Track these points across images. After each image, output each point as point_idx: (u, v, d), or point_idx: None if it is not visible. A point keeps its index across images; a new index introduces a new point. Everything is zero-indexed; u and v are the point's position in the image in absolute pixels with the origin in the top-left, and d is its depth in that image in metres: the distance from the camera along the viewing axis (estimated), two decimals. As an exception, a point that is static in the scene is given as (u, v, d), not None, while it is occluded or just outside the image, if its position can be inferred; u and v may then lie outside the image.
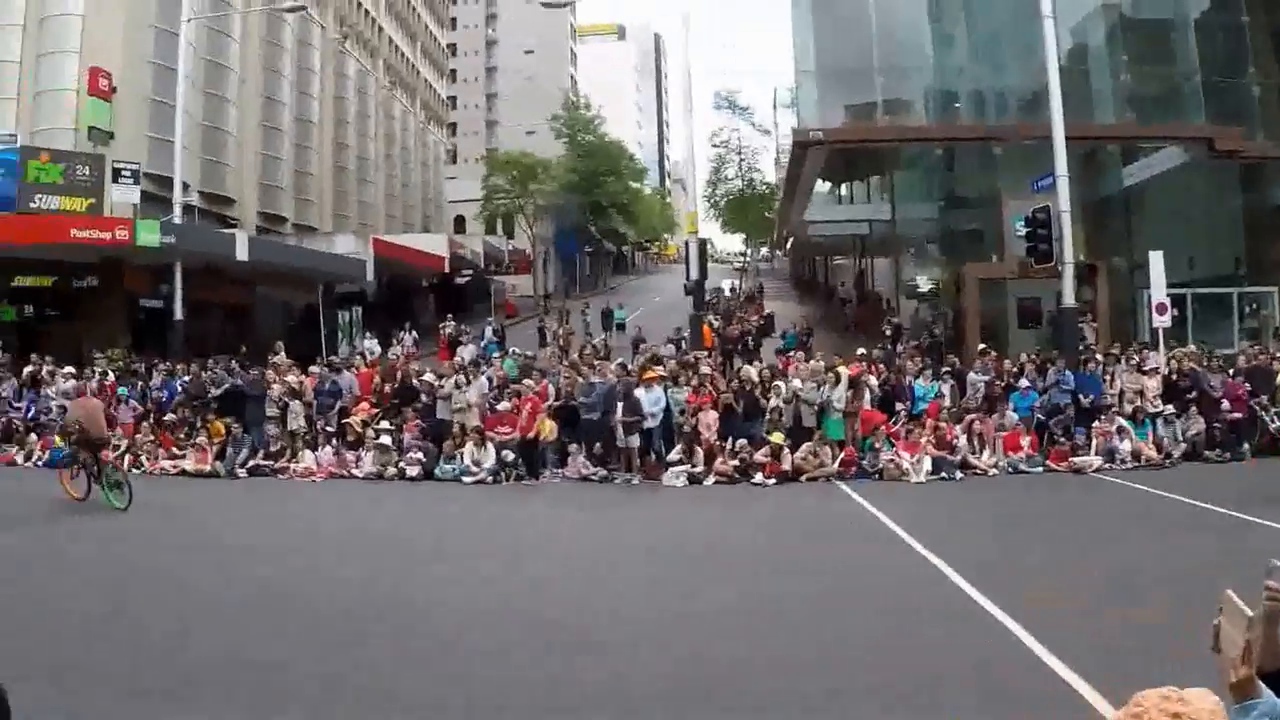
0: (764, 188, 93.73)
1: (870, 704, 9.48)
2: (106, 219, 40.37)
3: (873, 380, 27.21)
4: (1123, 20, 43.36)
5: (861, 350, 31.21)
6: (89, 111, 45.85)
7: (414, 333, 48.09)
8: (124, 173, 42.21)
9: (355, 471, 25.70)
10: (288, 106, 65.03)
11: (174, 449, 27.00)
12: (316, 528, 20.46)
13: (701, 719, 9.40)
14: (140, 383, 30.68)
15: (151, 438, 27.50)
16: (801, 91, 49.85)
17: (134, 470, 26.37)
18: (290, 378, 28.73)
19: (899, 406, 26.77)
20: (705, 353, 34.55)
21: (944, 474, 23.90)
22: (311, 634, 11.99)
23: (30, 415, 30.12)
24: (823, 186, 61.46)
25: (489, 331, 47.23)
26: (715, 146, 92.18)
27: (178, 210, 41.03)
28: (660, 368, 28.51)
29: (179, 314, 39.27)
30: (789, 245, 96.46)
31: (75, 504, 21.26)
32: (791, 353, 33.95)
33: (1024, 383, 27.06)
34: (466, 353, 36.91)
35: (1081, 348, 30.25)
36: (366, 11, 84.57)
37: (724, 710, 9.53)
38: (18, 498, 22.25)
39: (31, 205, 41.12)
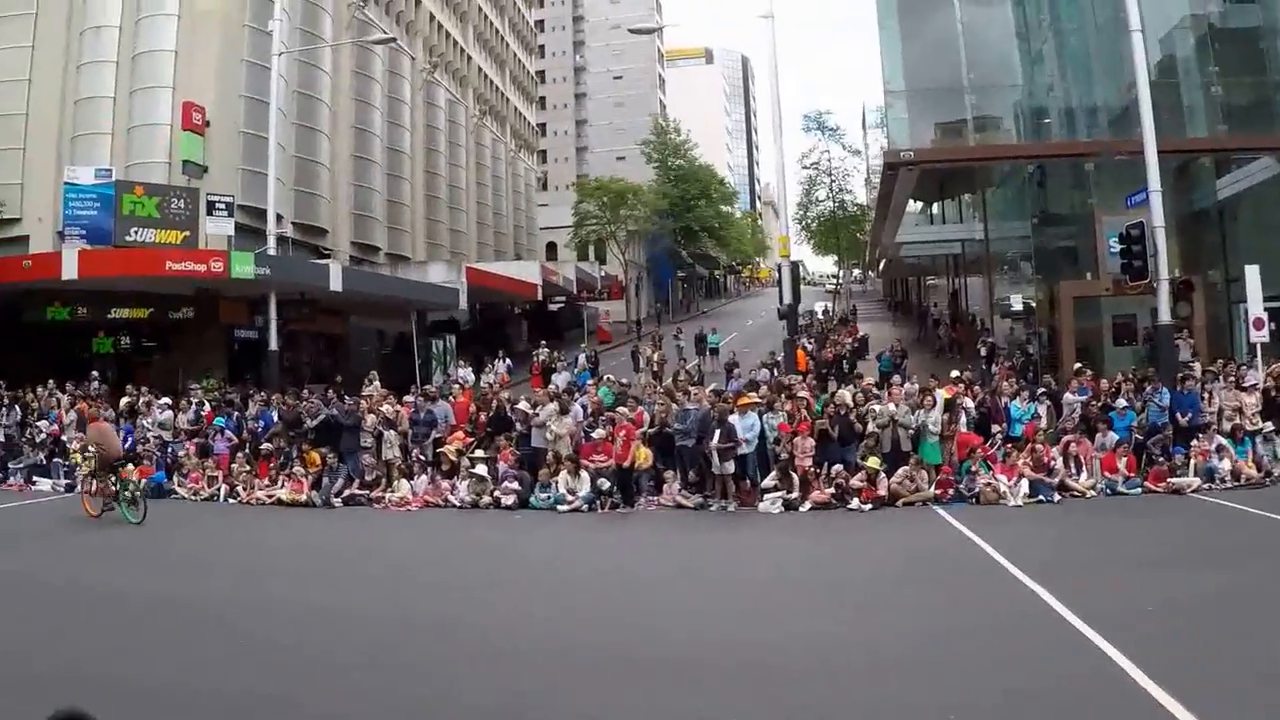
0: (855, 209, 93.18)
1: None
2: (201, 251, 40.88)
3: (969, 402, 26.84)
4: (1212, 30, 42.57)
5: (955, 372, 30.75)
6: (183, 146, 46.34)
7: (507, 360, 48.17)
8: (218, 205, 42.76)
9: (451, 500, 25.70)
10: (379, 137, 65.46)
11: (269, 479, 27.18)
12: (413, 557, 20.46)
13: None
14: (236, 413, 30.92)
15: (248, 468, 27.73)
16: (891, 112, 49.43)
17: (230, 500, 26.80)
18: (385, 407, 28.79)
19: (995, 428, 26.29)
20: (800, 377, 34.29)
21: (1041, 497, 23.30)
22: (408, 661, 12.00)
23: (128, 445, 30.41)
24: (914, 206, 61.11)
25: (582, 358, 47.26)
26: (805, 168, 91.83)
27: (272, 242, 41.43)
28: (755, 393, 28.31)
29: (274, 344, 39.76)
30: (881, 266, 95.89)
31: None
32: (893, 376, 33.60)
33: (1121, 402, 26.60)
34: (560, 380, 36.88)
35: (1180, 365, 29.75)
36: (455, 41, 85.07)
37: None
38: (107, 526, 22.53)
39: (127, 238, 41.74)
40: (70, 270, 38.16)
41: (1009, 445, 24.92)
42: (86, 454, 24.66)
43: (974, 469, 23.95)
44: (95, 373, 37.64)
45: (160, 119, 48.16)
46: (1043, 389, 28.50)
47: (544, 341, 52.10)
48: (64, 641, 12.99)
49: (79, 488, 26.14)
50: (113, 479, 23.44)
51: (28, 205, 47.72)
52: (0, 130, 46.49)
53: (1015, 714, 9.79)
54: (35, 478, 30.07)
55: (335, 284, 43.04)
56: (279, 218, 44.14)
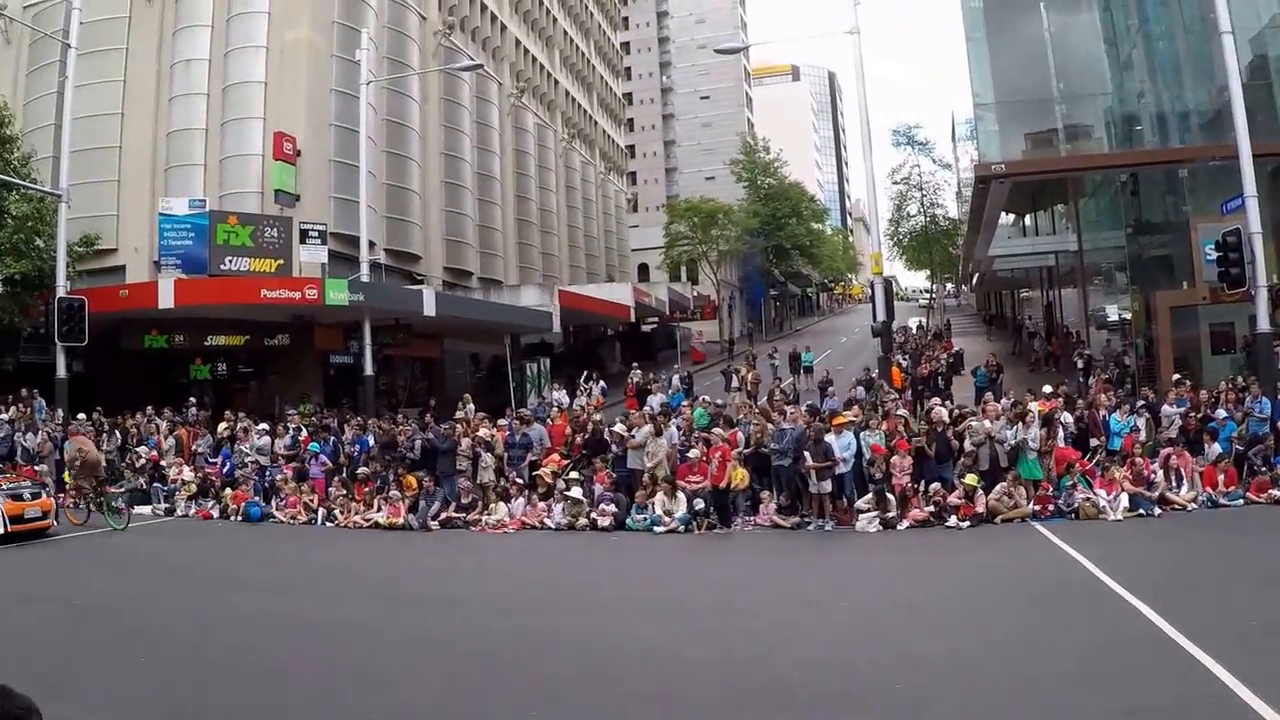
0: (947, 223, 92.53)
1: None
2: (295, 279, 41.20)
3: (1067, 417, 26.51)
4: (1304, 28, 41.92)
5: (1048, 388, 30.29)
6: (275, 175, 46.79)
7: (601, 382, 48.16)
8: (311, 233, 43.22)
9: (547, 523, 25.66)
10: (469, 162, 65.76)
11: (365, 503, 27.35)
12: (514, 578, 20.47)
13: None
14: (333, 438, 31.15)
15: (344, 492, 27.93)
16: (981, 124, 49.02)
17: (327, 524, 27.00)
18: (482, 431, 28.90)
19: (1094, 442, 25.93)
20: (895, 395, 34.04)
21: (1142, 510, 22.80)
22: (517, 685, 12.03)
23: (226, 470, 30.77)
24: (1007, 218, 60.55)
25: (676, 379, 47.21)
26: (896, 183, 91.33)
27: (365, 268, 41.77)
28: (850, 412, 28.11)
29: (369, 369, 40.09)
30: (975, 280, 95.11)
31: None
32: (988, 392, 33.20)
33: (1220, 413, 26.16)
34: (655, 401, 36.81)
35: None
36: (542, 66, 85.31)
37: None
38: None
39: (222, 267, 42.26)
40: (166, 299, 38.66)
41: (1108, 459, 24.52)
42: (72, 466, 27.35)
43: (1073, 484, 23.56)
44: (193, 399, 38.05)
45: (252, 149, 48.65)
46: (1141, 401, 28.09)
47: (635, 364, 51.98)
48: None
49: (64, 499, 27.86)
50: (95, 486, 25.98)
51: (123, 236, 48.26)
52: (95, 163, 46.98)
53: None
54: (135, 503, 30.37)
55: (429, 309, 43.25)
56: (371, 244, 44.57)
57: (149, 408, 35.30)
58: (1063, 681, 11.14)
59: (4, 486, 24.93)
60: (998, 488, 23.58)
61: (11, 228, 37.93)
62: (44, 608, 17.03)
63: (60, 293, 36.56)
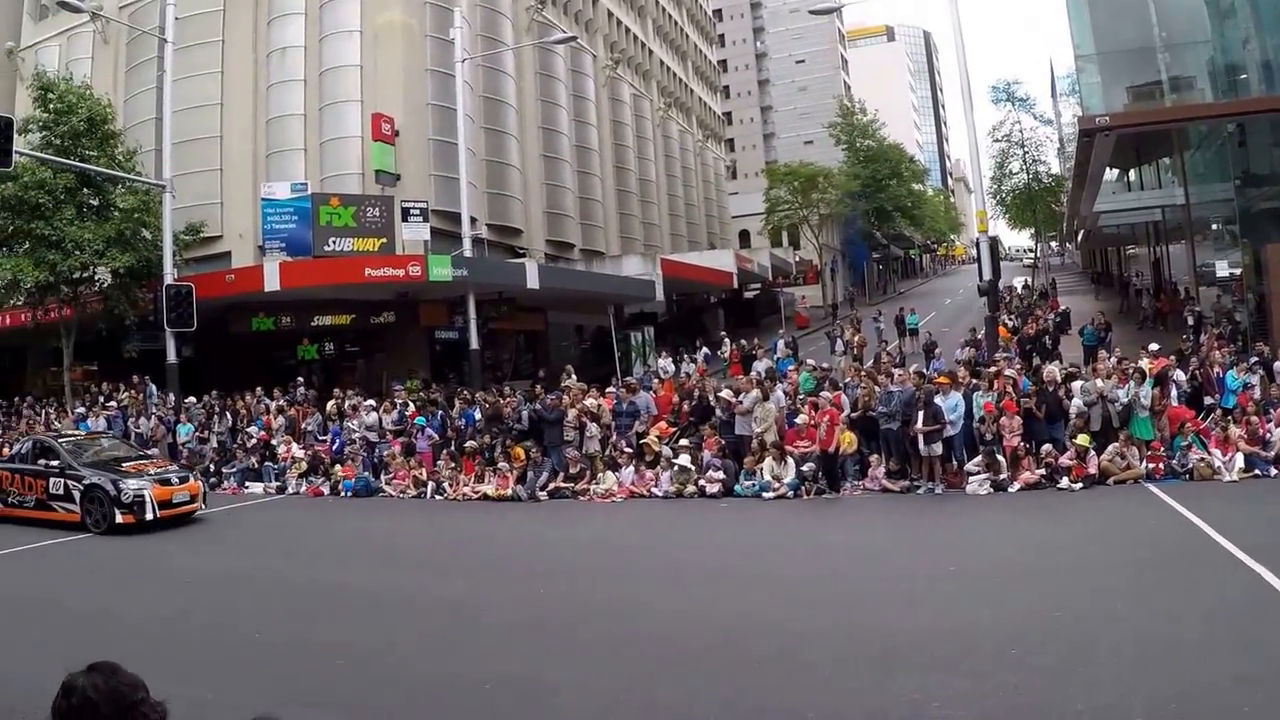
0: (1049, 179, 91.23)
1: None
2: (399, 257, 41.51)
3: (1180, 375, 26.04)
4: None
5: (1154, 345, 29.56)
6: (374, 156, 47.09)
7: (704, 349, 48.06)
8: (412, 211, 43.56)
9: (655, 491, 25.64)
10: (567, 135, 65.79)
11: (475, 475, 27.50)
12: (623, 548, 20.57)
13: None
14: (440, 412, 31.33)
15: (453, 464, 28.13)
16: (1083, 77, 48.15)
17: (436, 496, 27.35)
18: (589, 400, 28.95)
19: (1208, 400, 25.44)
20: (1005, 354, 33.64)
21: (1258, 471, 22.18)
22: (642, 655, 12.06)
23: (336, 448, 31.08)
24: (1110, 173, 59.50)
25: (781, 344, 47.01)
26: (996, 141, 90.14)
27: (467, 244, 42.00)
28: (961, 370, 27.85)
29: (474, 343, 40.37)
30: (1080, 238, 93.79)
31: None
32: (1099, 351, 32.62)
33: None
34: (761, 367, 36.65)
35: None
36: (635, 36, 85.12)
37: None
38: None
39: (326, 248, 42.65)
40: (272, 282, 39.23)
41: (1223, 417, 23.90)
42: None
43: (1187, 444, 23.02)
44: (300, 379, 38.45)
45: (350, 132, 48.98)
46: (1256, 357, 27.46)
47: (723, 333, 51.78)
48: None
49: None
50: None
51: (228, 223, 48.82)
52: (197, 154, 47.57)
53: (1244, 701, 9.27)
54: (248, 482, 30.90)
55: (532, 282, 43.42)
56: (473, 220, 44.71)
57: (258, 389, 35.79)
58: (1179, 647, 10.97)
59: (151, 471, 25.01)
60: (1110, 448, 23.14)
61: (118, 220, 38.53)
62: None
63: (168, 280, 37.10)
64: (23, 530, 23.73)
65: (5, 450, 30.52)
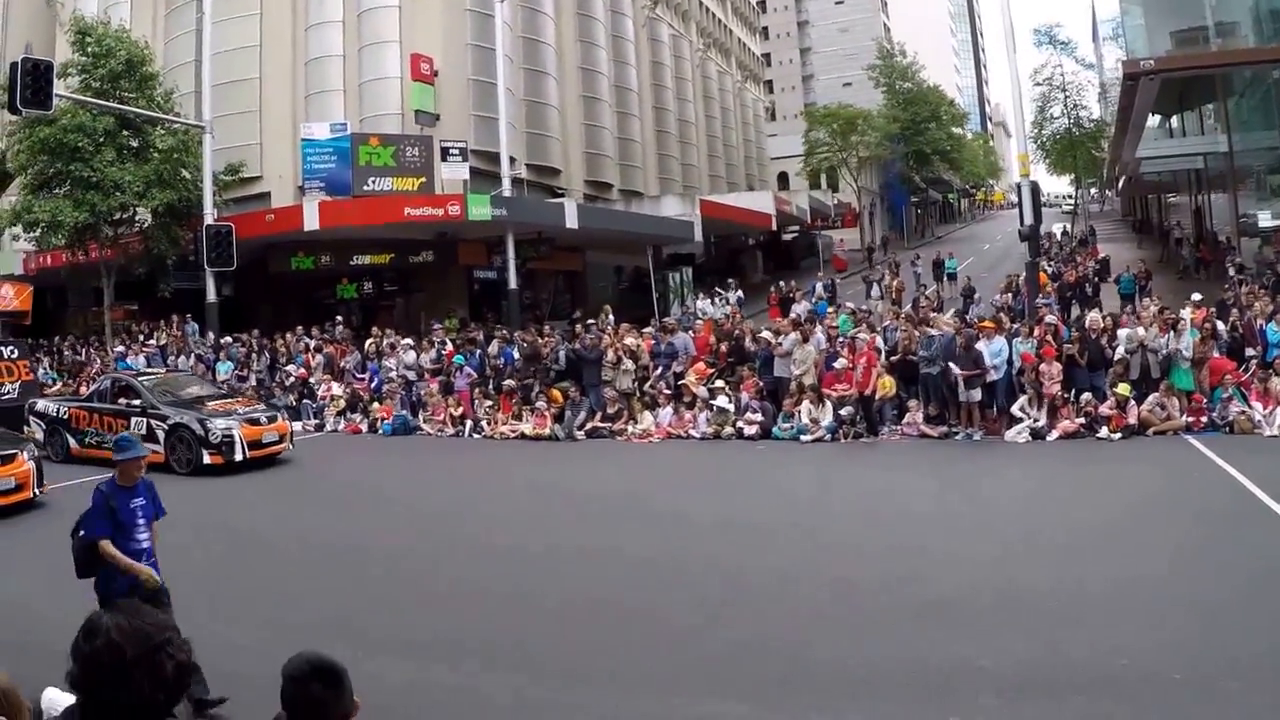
0: (1091, 125, 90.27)
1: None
2: (438, 196, 41.47)
3: (1220, 326, 25.78)
4: None
5: (1197, 295, 29.14)
6: (414, 96, 46.95)
7: (739, 291, 47.88)
8: (452, 151, 43.43)
9: (692, 432, 25.67)
10: (606, 76, 65.42)
11: (511, 414, 27.59)
12: (659, 489, 20.60)
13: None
14: (479, 350, 31.37)
15: (489, 403, 28.24)
16: (1127, 20, 47.69)
17: (474, 435, 27.56)
18: (629, 339, 28.91)
19: (1249, 353, 25.01)
20: (1045, 301, 33.42)
21: None
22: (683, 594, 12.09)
23: (374, 386, 31.19)
24: (1152, 120, 58.83)
25: (819, 287, 46.89)
26: (1038, 85, 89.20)
27: (506, 184, 41.89)
28: (1003, 314, 27.70)
29: (513, 283, 40.43)
30: (1120, 185, 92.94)
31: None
32: (1140, 299, 32.28)
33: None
34: (800, 309, 36.55)
35: None
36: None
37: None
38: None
39: (366, 188, 42.64)
40: (312, 221, 39.28)
41: (1265, 370, 23.58)
42: None
43: (1228, 396, 22.75)
44: (339, 318, 38.62)
45: (389, 72, 48.82)
46: (1297, 310, 27.09)
47: (732, 283, 51.53)
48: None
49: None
50: None
51: (267, 164, 48.77)
52: (237, 95, 47.54)
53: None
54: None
55: (571, 222, 43.29)
56: (512, 160, 44.63)
57: (298, 327, 35.91)
58: (1222, 610, 10.88)
59: (240, 410, 24.78)
60: (1150, 398, 22.99)
61: (158, 160, 38.62)
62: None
63: (208, 220, 37.23)
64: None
65: (82, 389, 30.37)
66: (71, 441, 25.15)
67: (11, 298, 34.65)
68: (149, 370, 30.35)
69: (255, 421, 24.11)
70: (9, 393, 27.94)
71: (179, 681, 3.65)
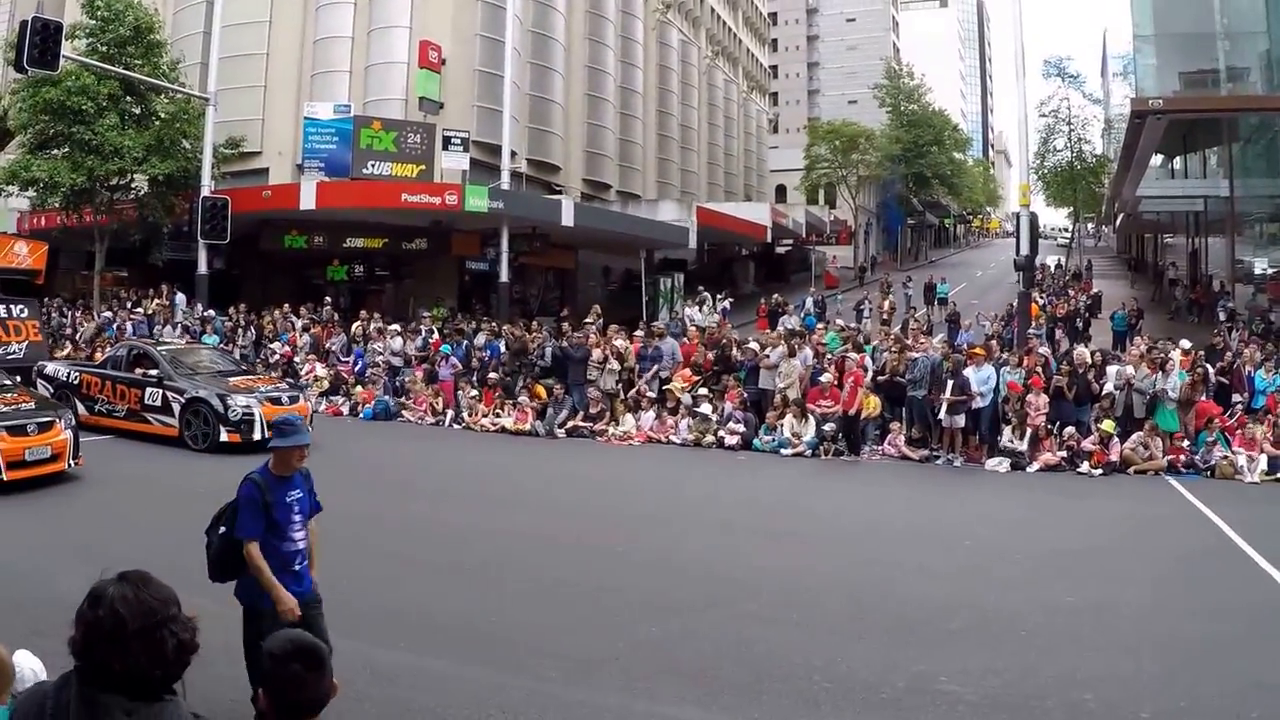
0: (1093, 160, 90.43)
1: None
2: (436, 184, 41.51)
3: (1210, 369, 25.81)
4: None
5: (1186, 343, 29.14)
6: (419, 83, 47.01)
7: (728, 301, 47.91)
8: (453, 140, 43.47)
9: (673, 438, 25.67)
10: (612, 76, 65.46)
11: (495, 408, 27.65)
12: (636, 492, 20.67)
13: None
14: (466, 342, 31.42)
15: (474, 393, 28.29)
16: (1139, 57, 47.67)
17: (455, 425, 27.58)
18: (618, 341, 28.94)
19: (1236, 399, 25.12)
20: (1035, 332, 33.51)
21: None
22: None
23: (358, 369, 31.20)
24: (1155, 159, 58.86)
25: (809, 302, 46.99)
26: (1043, 116, 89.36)
27: (505, 177, 42.02)
28: (994, 342, 27.77)
29: (504, 276, 40.62)
30: (1118, 222, 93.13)
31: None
32: (1130, 338, 32.40)
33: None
34: (789, 323, 36.60)
35: None
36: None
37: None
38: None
39: (365, 171, 42.69)
40: (309, 201, 39.31)
41: (1250, 417, 23.62)
42: None
43: (1212, 440, 22.80)
44: (328, 299, 38.63)
45: (397, 57, 48.85)
46: (1286, 359, 27.13)
47: (725, 294, 51.49)
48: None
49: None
50: None
51: (268, 140, 48.74)
52: (242, 69, 47.44)
53: (1255, 708, 9.26)
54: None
55: (567, 219, 43.27)
56: (513, 154, 44.74)
57: (285, 305, 35.96)
58: (1191, 647, 10.99)
59: (263, 388, 24.25)
60: (1134, 437, 23.05)
61: (159, 128, 38.70)
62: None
63: (205, 192, 37.33)
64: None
65: (97, 355, 29.70)
66: (80, 408, 23.82)
67: (25, 255, 34.27)
68: (168, 341, 30.00)
69: (277, 401, 23.50)
70: (14, 352, 27.22)
71: (178, 659, 3.65)
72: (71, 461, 18.58)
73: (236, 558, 7.77)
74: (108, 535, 14.59)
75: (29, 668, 4.10)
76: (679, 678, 9.81)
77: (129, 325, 35.13)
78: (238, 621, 7.72)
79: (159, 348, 25.76)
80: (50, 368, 26.25)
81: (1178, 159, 61.93)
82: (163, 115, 39.34)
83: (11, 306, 28.10)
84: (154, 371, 23.78)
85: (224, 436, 22.38)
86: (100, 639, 3.55)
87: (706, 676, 9.71)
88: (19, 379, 22.29)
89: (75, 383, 25.07)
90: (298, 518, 8.00)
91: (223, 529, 7.93)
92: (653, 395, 27.13)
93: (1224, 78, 43.42)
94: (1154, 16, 44.80)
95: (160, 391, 23.35)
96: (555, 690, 9.35)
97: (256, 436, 22.21)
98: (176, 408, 23.01)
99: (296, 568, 7.97)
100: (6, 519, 15.72)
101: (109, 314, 36.47)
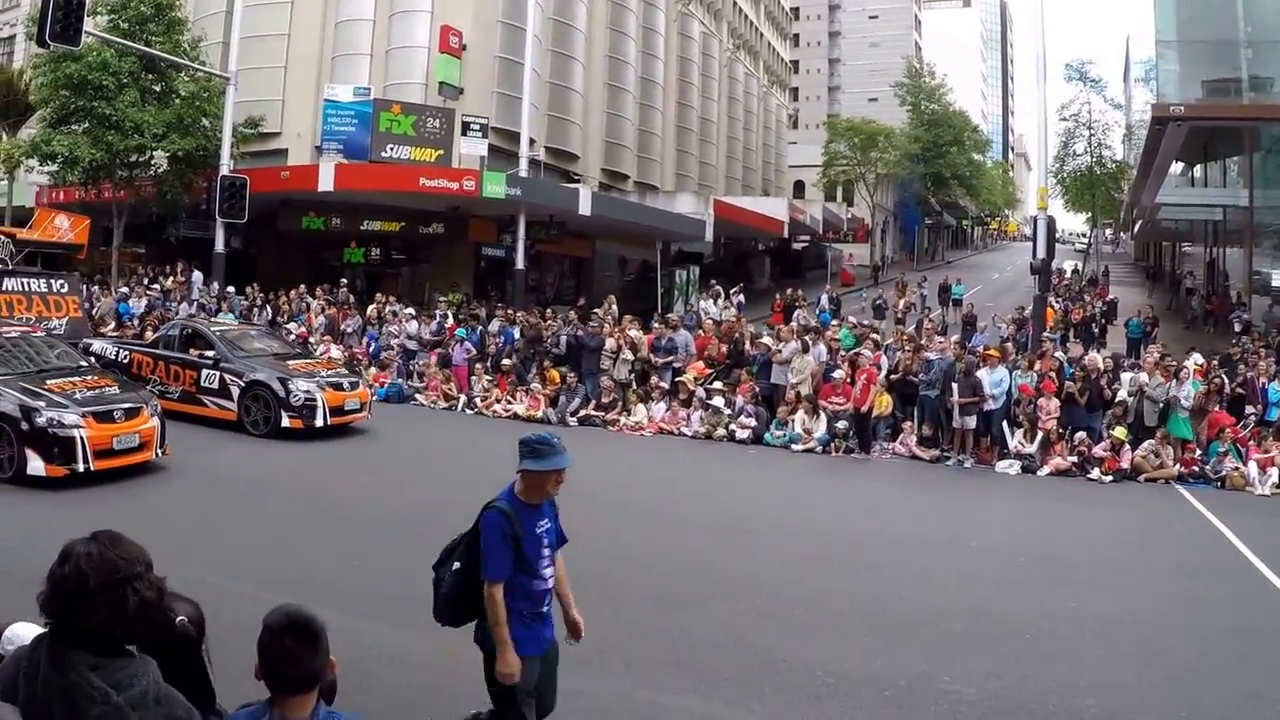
0: (1113, 165, 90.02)
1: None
2: (454, 170, 41.59)
3: (1224, 379, 25.74)
4: None
5: (1198, 357, 28.81)
6: (439, 68, 47.05)
7: (740, 295, 47.84)
8: (472, 126, 43.56)
9: (684, 430, 25.71)
10: (632, 66, 65.38)
11: (507, 394, 27.72)
12: (645, 482, 20.71)
13: None
14: (480, 327, 31.46)
15: (487, 378, 28.33)
16: (1162, 63, 47.47)
17: (467, 410, 27.61)
18: (632, 331, 28.97)
19: (1249, 410, 24.84)
20: (1050, 337, 33.43)
21: None
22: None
23: (373, 351, 31.25)
24: (1175, 167, 58.61)
25: (824, 299, 46.97)
26: (1064, 120, 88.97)
27: (523, 164, 42.00)
28: (1009, 344, 27.73)
29: (520, 263, 40.68)
30: (1135, 229, 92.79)
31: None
32: (1145, 345, 32.31)
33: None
34: (803, 318, 36.57)
35: None
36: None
37: None
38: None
39: (383, 155, 42.80)
40: (327, 183, 39.42)
41: (1263, 429, 23.47)
42: None
43: (1224, 451, 22.67)
44: (344, 280, 38.69)
45: (418, 42, 48.83)
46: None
47: (739, 287, 51.34)
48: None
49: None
50: None
51: (287, 121, 48.79)
52: (263, 50, 47.50)
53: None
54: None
55: (584, 208, 43.33)
56: (531, 141, 44.74)
57: (302, 286, 36.03)
58: (1193, 657, 11.02)
59: (323, 373, 23.78)
60: (1145, 445, 22.92)
61: (179, 106, 38.79)
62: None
63: (223, 171, 37.40)
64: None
65: (148, 334, 28.56)
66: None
67: (67, 229, 34.00)
68: (221, 321, 29.30)
69: (338, 386, 23.25)
70: (55, 328, 25.53)
71: (141, 617, 3.72)
72: (158, 450, 17.82)
73: (474, 599, 6.85)
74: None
75: (29, 637, 4.15)
76: (681, 669, 9.87)
77: (144, 302, 35.18)
78: (248, 599, 7.71)
79: (212, 328, 25.04)
80: (97, 345, 25.17)
81: (1198, 167, 61.58)
82: (183, 93, 39.44)
83: (52, 281, 26.98)
84: (210, 353, 23.21)
85: (285, 422, 21.97)
86: (65, 595, 3.65)
87: (708, 669, 9.74)
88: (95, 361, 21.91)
89: (125, 362, 24.26)
90: (547, 551, 7.03)
91: (456, 564, 7.02)
92: (665, 386, 27.15)
93: (1246, 86, 43.25)
94: (1177, 23, 44.66)
95: (217, 374, 22.80)
96: (559, 677, 9.39)
97: (319, 423, 22.13)
98: (235, 391, 22.52)
99: (545, 608, 7.11)
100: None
101: (125, 289, 36.54)
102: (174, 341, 24.34)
